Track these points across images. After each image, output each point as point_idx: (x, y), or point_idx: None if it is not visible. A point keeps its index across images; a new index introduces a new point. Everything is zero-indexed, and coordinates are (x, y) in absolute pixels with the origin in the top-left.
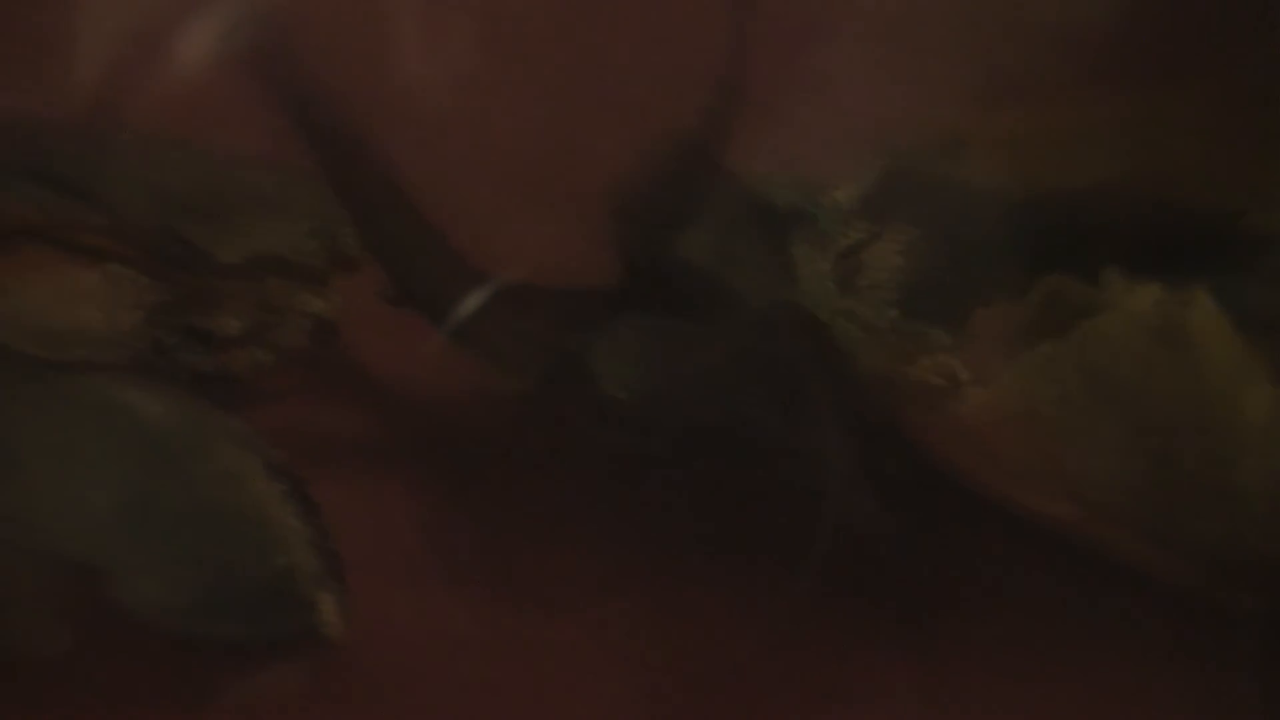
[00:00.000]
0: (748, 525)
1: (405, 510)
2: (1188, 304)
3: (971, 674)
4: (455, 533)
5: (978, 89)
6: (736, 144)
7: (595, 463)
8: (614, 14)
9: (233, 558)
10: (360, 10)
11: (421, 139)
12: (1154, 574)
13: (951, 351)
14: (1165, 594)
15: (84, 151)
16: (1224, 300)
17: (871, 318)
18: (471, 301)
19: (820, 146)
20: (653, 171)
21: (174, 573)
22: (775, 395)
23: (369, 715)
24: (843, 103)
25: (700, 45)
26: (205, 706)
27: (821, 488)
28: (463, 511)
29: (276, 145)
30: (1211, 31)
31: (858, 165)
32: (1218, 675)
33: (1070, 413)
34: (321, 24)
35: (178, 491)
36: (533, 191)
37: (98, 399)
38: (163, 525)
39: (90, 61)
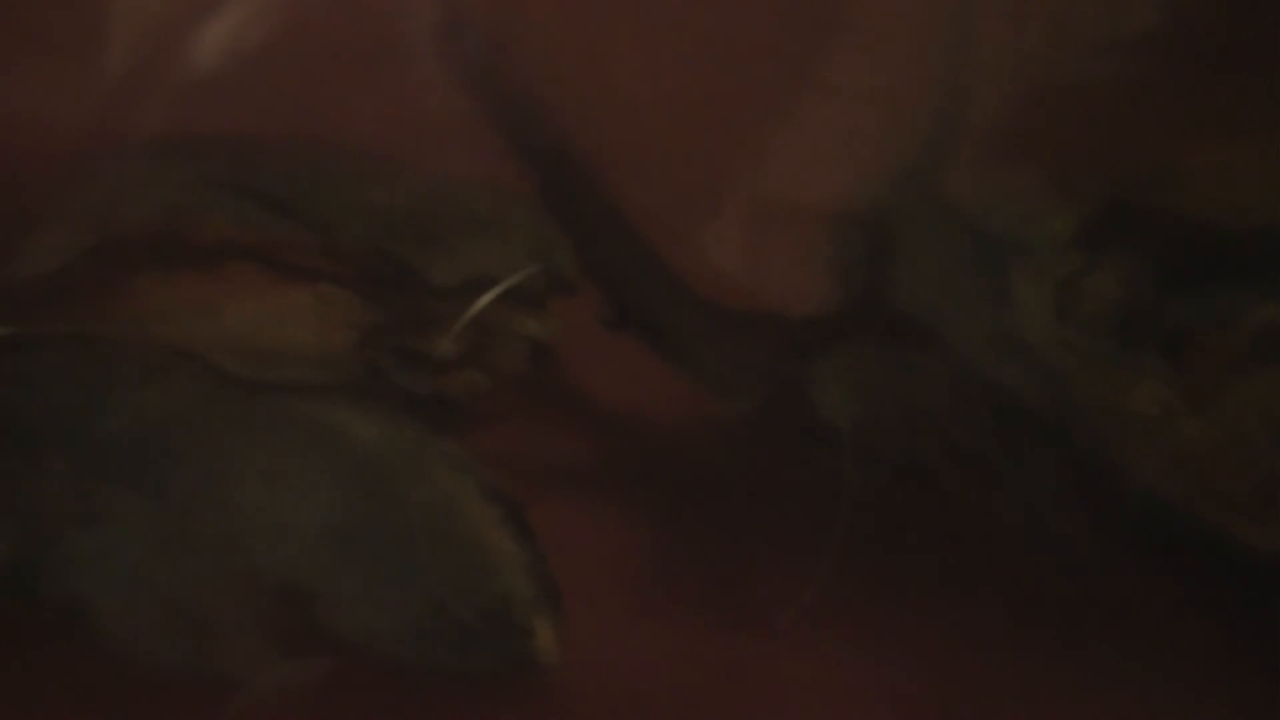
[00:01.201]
0: (961, 555)
1: (622, 536)
2: None
3: (1176, 698)
4: (672, 558)
5: (1190, 120)
6: (955, 173)
7: (812, 489)
8: (834, 40)
9: (447, 583)
10: (577, 31)
11: (639, 162)
12: None
13: (1167, 381)
14: None
15: (296, 170)
16: None
17: (1088, 347)
18: (688, 325)
19: (1036, 177)
20: (872, 199)
21: (387, 597)
22: (991, 425)
23: None
24: (1060, 135)
25: (920, 75)
26: None
27: (1034, 518)
28: (680, 537)
29: (493, 167)
30: None
31: (1075, 196)
32: None
33: None
34: (538, 45)
35: (391, 515)
36: (752, 217)
37: (309, 421)
38: (375, 549)
39: (302, 80)
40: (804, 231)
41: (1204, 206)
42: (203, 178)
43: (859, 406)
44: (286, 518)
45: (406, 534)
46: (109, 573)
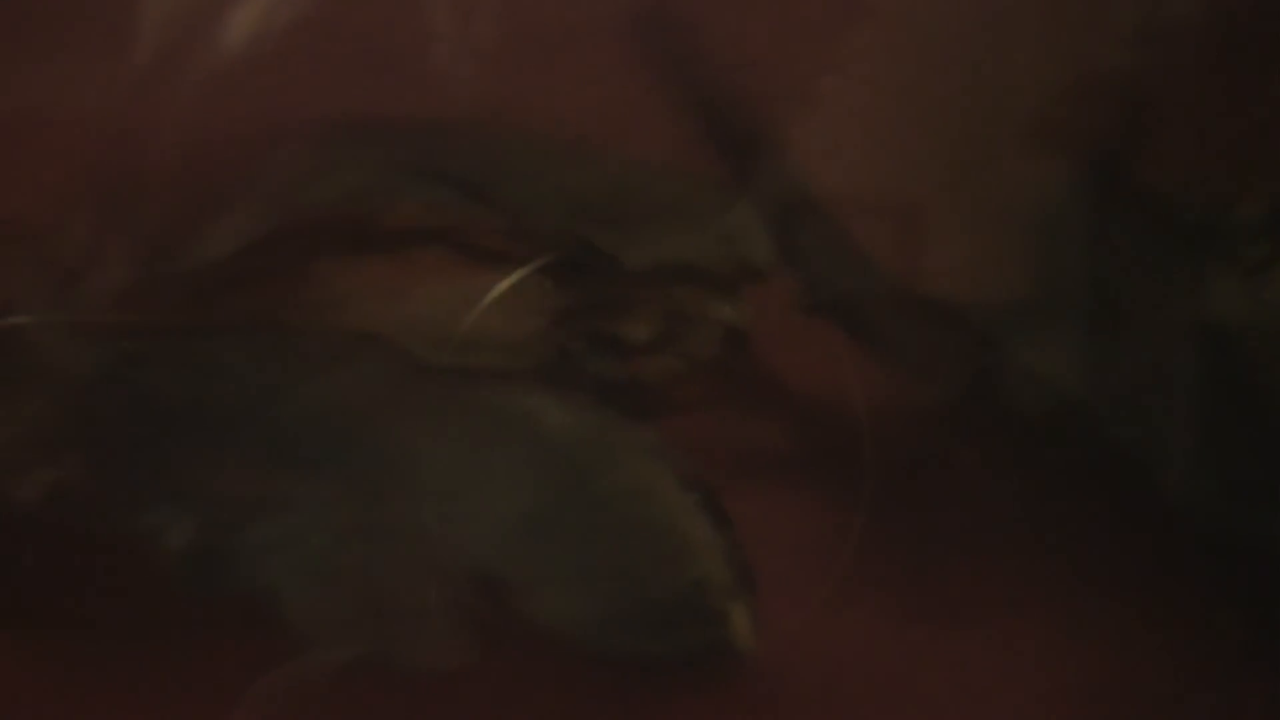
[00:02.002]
0: (1155, 546)
1: (817, 523)
2: None
3: None
4: (867, 546)
5: None
6: (1148, 159)
7: (1007, 476)
8: (1020, 27)
9: (643, 569)
10: (768, 17)
11: (832, 147)
12: None
13: None
14: None
15: (486, 154)
16: None
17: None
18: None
19: (1228, 163)
20: (1066, 187)
21: (580, 585)
22: (1184, 411)
23: None
24: (1245, 119)
25: (1111, 63)
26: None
27: (1235, 507)
28: (875, 524)
29: (685, 152)
30: None
31: (1267, 181)
32: None
33: None
34: (730, 31)
35: (584, 502)
36: (946, 204)
37: (499, 407)
38: (570, 536)
39: (494, 64)
40: (1000, 219)
41: None
42: (391, 162)
43: (1053, 394)
44: (477, 505)
45: (600, 521)
46: (296, 561)
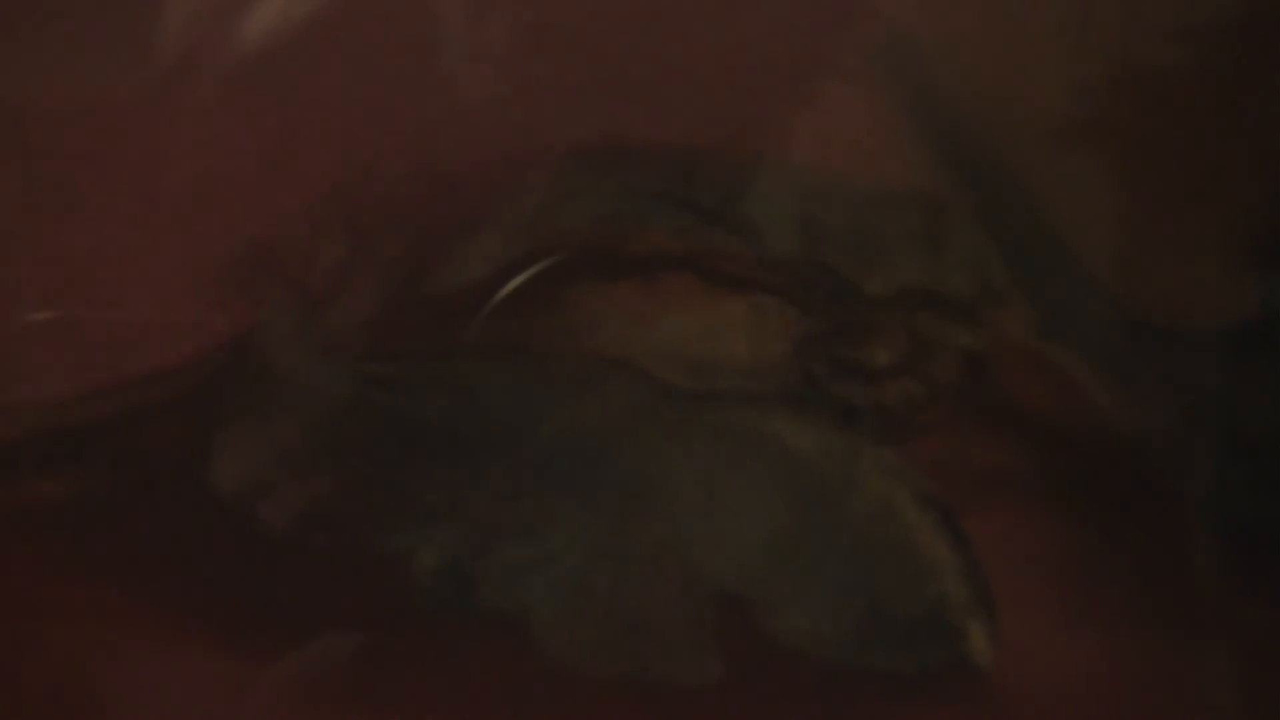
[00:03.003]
0: None
1: (1054, 543)
2: None
3: None
4: (1102, 566)
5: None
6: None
7: (1235, 500)
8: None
9: (884, 587)
10: (1003, 48)
11: (1064, 175)
12: None
13: None
14: None
15: (731, 182)
16: None
17: None
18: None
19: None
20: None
21: (825, 603)
22: None
23: None
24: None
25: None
26: None
27: None
28: (1111, 545)
29: (924, 180)
30: None
31: None
32: None
33: None
34: (966, 61)
35: (829, 521)
36: (1172, 230)
37: (744, 430)
38: (814, 555)
39: (737, 93)
40: (1218, 245)
41: None
42: (637, 188)
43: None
44: (723, 525)
45: (843, 540)
46: (548, 580)
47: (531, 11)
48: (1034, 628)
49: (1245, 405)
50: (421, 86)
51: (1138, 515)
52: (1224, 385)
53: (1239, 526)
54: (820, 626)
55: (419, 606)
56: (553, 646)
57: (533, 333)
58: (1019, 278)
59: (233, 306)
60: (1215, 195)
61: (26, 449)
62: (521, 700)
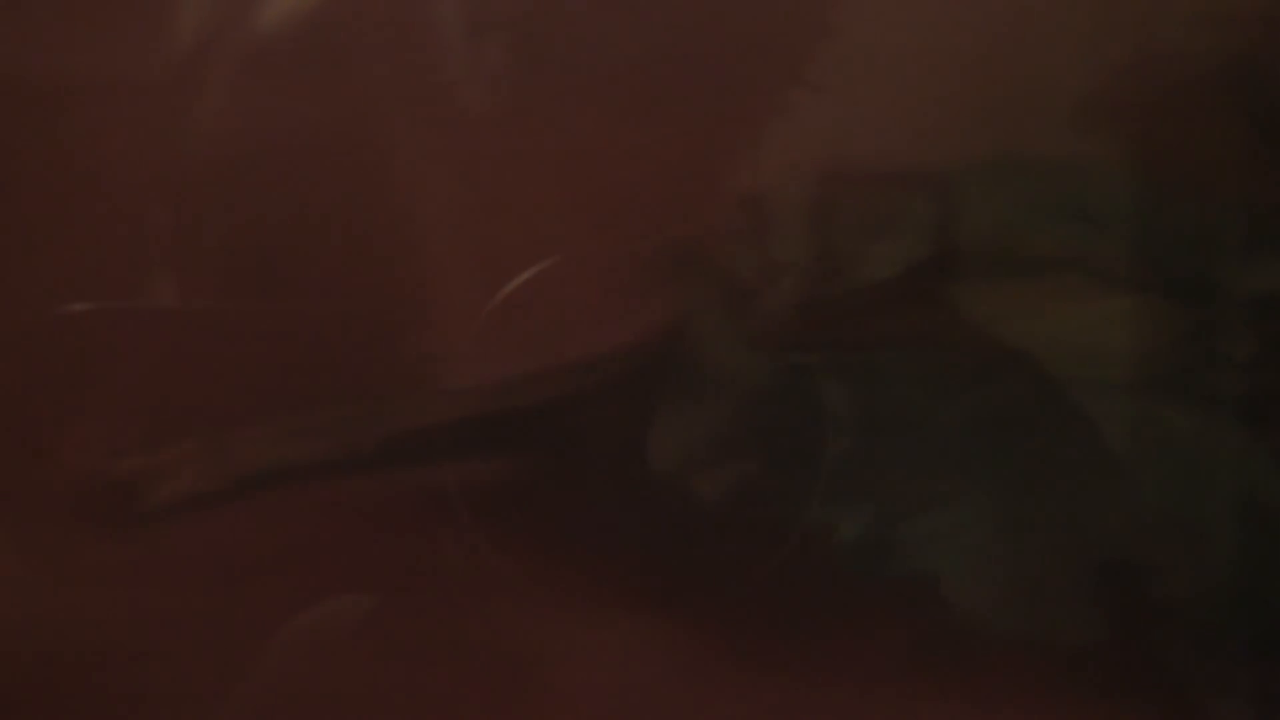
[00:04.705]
0: None
1: None
2: None
3: None
4: None
5: None
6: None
7: None
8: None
9: (1266, 555)
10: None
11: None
12: None
13: None
14: None
15: (1114, 192)
16: None
17: None
18: None
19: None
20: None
21: (1204, 570)
22: None
23: None
24: None
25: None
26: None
27: None
28: None
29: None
30: None
31: None
32: None
33: None
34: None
35: (1209, 497)
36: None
37: (1132, 415)
38: (1197, 529)
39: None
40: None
41: None
42: (1032, 196)
43: None
44: (1112, 500)
45: (1215, 512)
46: (955, 549)
47: None
48: None
49: None
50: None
51: None
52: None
53: None
54: (1199, 590)
55: (837, 573)
56: (961, 606)
57: (939, 327)
58: None
59: (663, 298)
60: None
61: (469, 432)
62: (927, 653)
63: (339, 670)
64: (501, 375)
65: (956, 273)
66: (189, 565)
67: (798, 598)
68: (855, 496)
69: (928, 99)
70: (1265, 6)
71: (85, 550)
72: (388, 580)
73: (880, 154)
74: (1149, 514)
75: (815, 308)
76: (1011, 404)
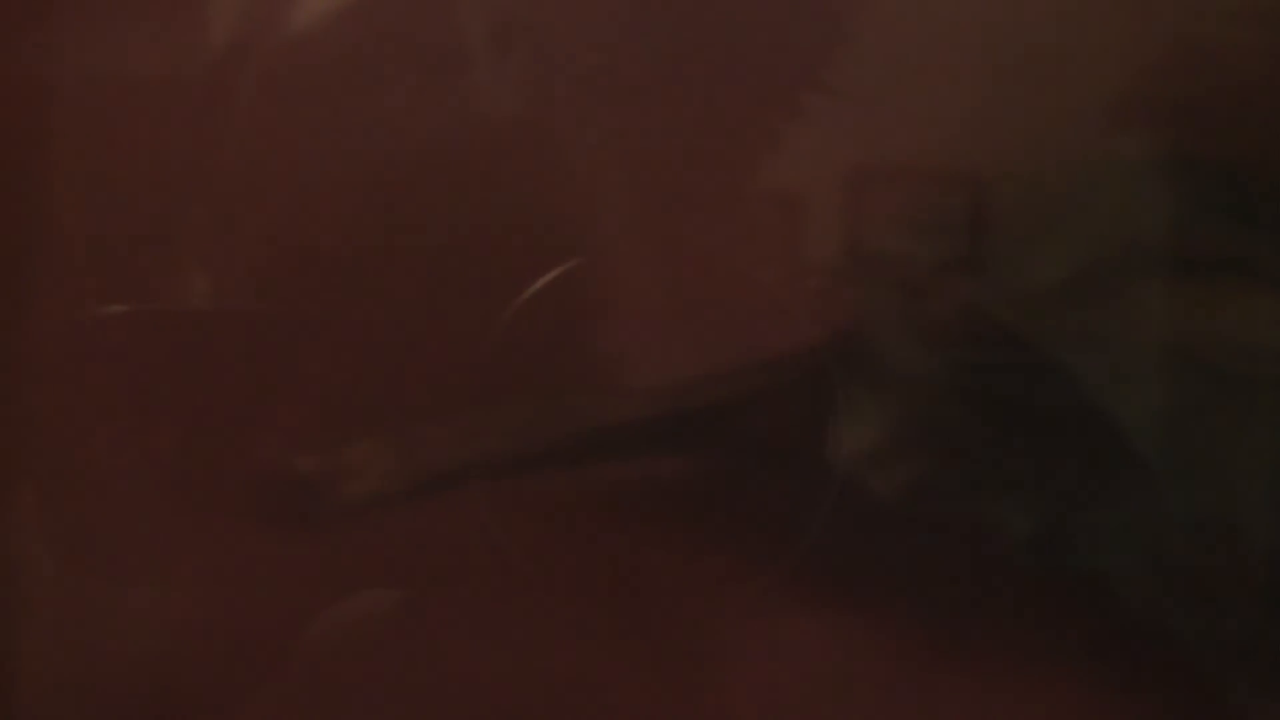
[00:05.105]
0: None
1: None
2: None
3: None
4: None
5: None
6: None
7: None
8: None
9: None
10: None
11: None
12: None
13: None
14: None
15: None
16: None
17: None
18: None
19: None
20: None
21: None
22: None
23: None
24: None
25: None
26: None
27: None
28: None
29: None
30: None
31: None
32: None
33: None
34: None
35: None
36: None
37: None
38: None
39: None
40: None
41: None
42: (1196, 197)
43: None
44: (1275, 495)
45: None
46: (1128, 545)
47: None
48: None
49: None
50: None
51: None
52: None
53: None
54: None
55: (1009, 566)
56: (1133, 601)
57: (1109, 324)
58: None
59: (841, 298)
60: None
61: (649, 430)
62: (1098, 647)
63: (531, 664)
64: (681, 374)
65: (1125, 273)
66: (372, 564)
67: (972, 594)
68: (1028, 491)
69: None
70: None
71: (268, 549)
72: (572, 579)
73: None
74: None
75: (989, 308)
76: (1179, 400)
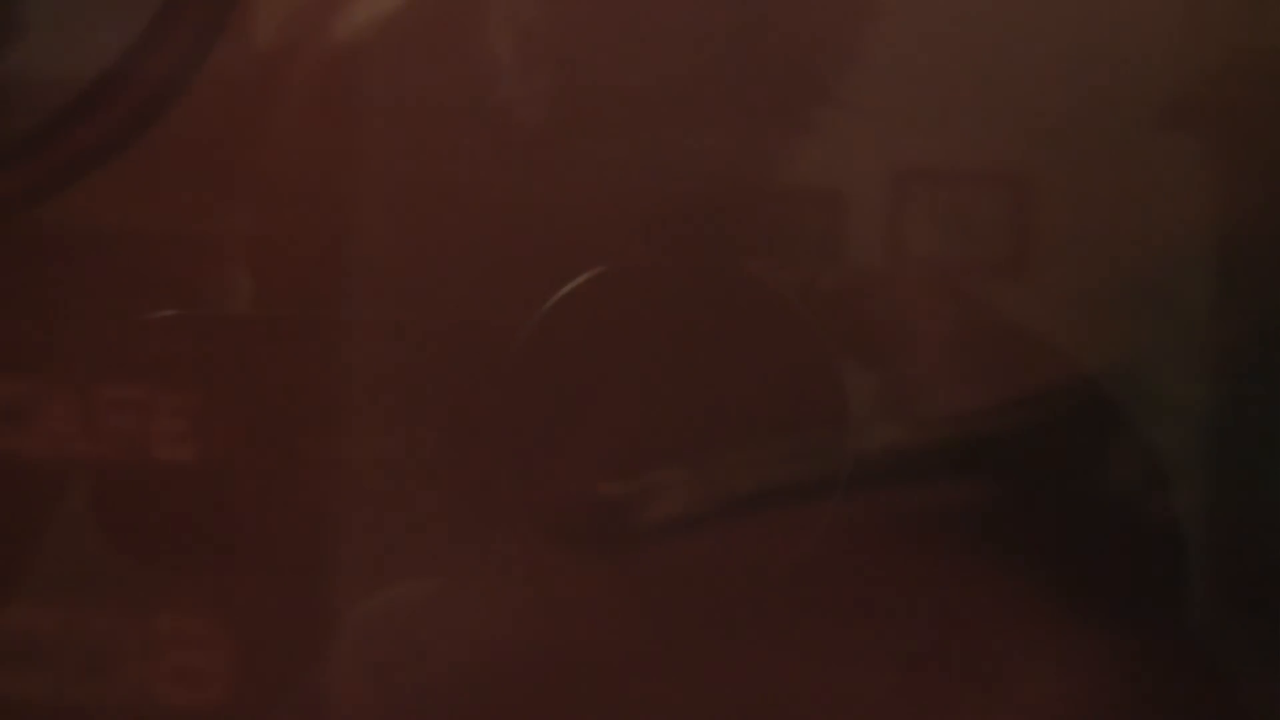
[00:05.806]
0: None
1: None
2: None
3: None
4: None
5: None
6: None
7: None
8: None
9: None
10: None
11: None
12: None
13: None
14: None
15: None
16: None
17: None
18: None
19: None
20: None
21: None
22: None
23: None
24: None
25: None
26: None
27: None
28: None
29: None
30: None
31: None
32: None
33: None
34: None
35: None
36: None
37: None
38: None
39: None
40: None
41: None
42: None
43: None
44: None
45: None
46: None
47: None
48: None
49: None
50: None
51: None
52: None
53: None
54: None
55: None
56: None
57: None
58: None
59: (1114, 328)
60: None
61: (937, 457)
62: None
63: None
64: (969, 402)
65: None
66: (672, 587)
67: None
68: None
69: None
70: None
71: (571, 572)
72: (864, 600)
73: None
74: None
75: (1264, 337)
76: None
